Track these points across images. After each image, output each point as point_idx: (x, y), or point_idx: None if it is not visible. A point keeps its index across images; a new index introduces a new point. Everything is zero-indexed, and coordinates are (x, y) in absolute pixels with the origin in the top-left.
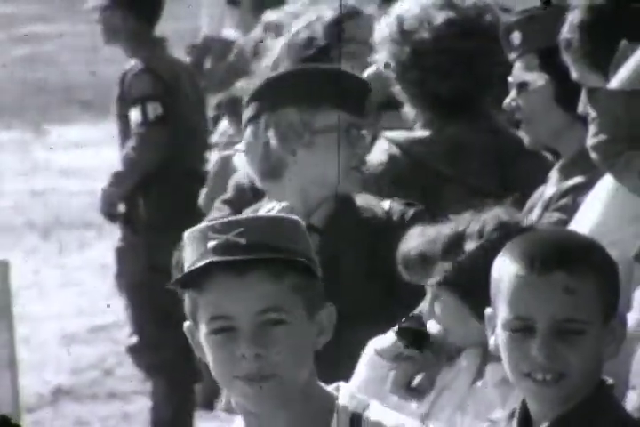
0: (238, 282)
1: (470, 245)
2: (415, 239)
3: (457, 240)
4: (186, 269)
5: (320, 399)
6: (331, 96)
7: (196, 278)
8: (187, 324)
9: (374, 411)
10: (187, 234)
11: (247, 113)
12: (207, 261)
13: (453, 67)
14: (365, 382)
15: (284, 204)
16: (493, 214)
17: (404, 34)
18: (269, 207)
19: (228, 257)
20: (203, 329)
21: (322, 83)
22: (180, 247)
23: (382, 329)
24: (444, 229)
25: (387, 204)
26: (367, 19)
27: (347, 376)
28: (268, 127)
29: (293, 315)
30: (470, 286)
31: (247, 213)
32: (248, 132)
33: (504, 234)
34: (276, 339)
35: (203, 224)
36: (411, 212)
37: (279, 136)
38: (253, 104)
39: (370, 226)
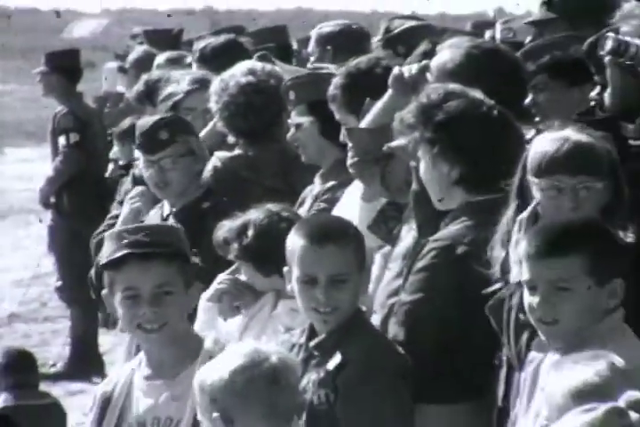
0: (143, 266)
1: (251, 231)
2: (222, 228)
3: (243, 227)
4: (107, 258)
5: (194, 343)
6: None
7: (115, 263)
8: (104, 291)
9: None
10: (107, 234)
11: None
12: (125, 252)
13: (250, 111)
14: (203, 322)
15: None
16: (266, 208)
17: (222, 91)
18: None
19: (139, 250)
20: (118, 296)
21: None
22: (95, 236)
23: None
24: (238, 221)
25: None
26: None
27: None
28: None
29: (177, 288)
30: (257, 256)
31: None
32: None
33: (273, 221)
34: (166, 303)
35: (119, 228)
36: (221, 207)
37: None
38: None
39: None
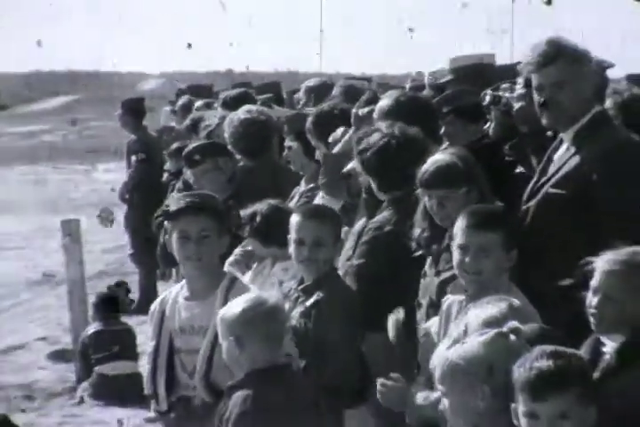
0: (192, 217)
1: (258, 217)
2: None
3: (253, 215)
4: (170, 212)
5: (221, 276)
6: None
7: (175, 214)
8: (166, 237)
9: (244, 279)
10: (171, 198)
11: None
12: (181, 206)
13: (246, 137)
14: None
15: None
16: (268, 202)
17: (230, 124)
18: None
19: (190, 205)
20: (174, 238)
21: None
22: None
23: None
24: (249, 210)
25: None
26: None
27: None
28: None
29: (213, 235)
30: (262, 235)
31: None
32: None
33: (273, 210)
34: (205, 243)
35: (179, 194)
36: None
37: None
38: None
39: None
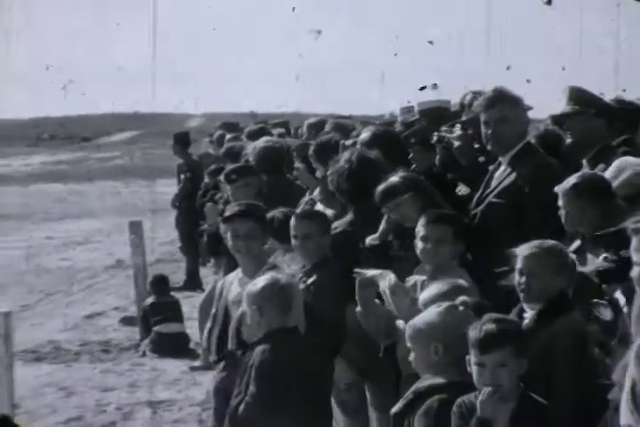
0: (241, 220)
1: (275, 222)
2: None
3: (271, 219)
4: (226, 215)
5: (265, 260)
6: None
7: (229, 218)
8: (224, 235)
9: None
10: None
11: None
12: (235, 211)
13: (266, 160)
14: None
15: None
16: (281, 209)
17: (253, 150)
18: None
19: (241, 211)
20: (229, 236)
21: None
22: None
23: None
24: (269, 215)
25: None
26: None
27: None
28: None
29: (258, 232)
30: (277, 235)
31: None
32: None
33: (286, 216)
34: (251, 240)
35: (234, 202)
36: None
37: None
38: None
39: None
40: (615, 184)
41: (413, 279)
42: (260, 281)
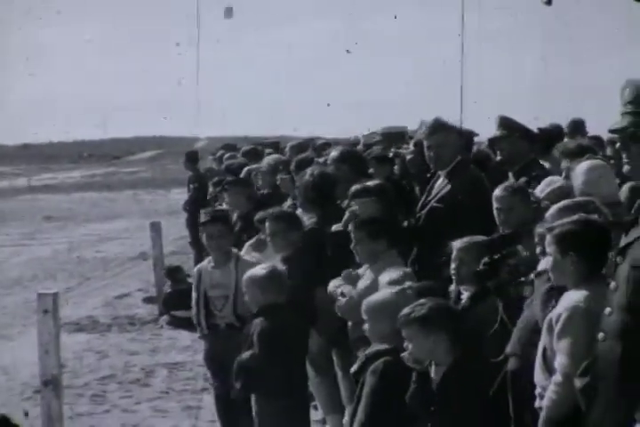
0: (212, 224)
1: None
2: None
3: (264, 218)
4: (202, 221)
5: (231, 253)
6: None
7: (203, 223)
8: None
9: (245, 256)
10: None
11: None
12: (207, 218)
13: (274, 174)
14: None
15: None
16: (269, 211)
17: (263, 167)
18: None
19: (211, 217)
20: (204, 235)
21: None
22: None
23: None
24: (264, 215)
25: None
26: None
27: None
28: None
29: (224, 233)
30: None
31: None
32: None
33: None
34: (220, 239)
35: (205, 210)
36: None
37: None
38: None
39: None
40: (544, 194)
41: (365, 267)
42: (262, 268)
